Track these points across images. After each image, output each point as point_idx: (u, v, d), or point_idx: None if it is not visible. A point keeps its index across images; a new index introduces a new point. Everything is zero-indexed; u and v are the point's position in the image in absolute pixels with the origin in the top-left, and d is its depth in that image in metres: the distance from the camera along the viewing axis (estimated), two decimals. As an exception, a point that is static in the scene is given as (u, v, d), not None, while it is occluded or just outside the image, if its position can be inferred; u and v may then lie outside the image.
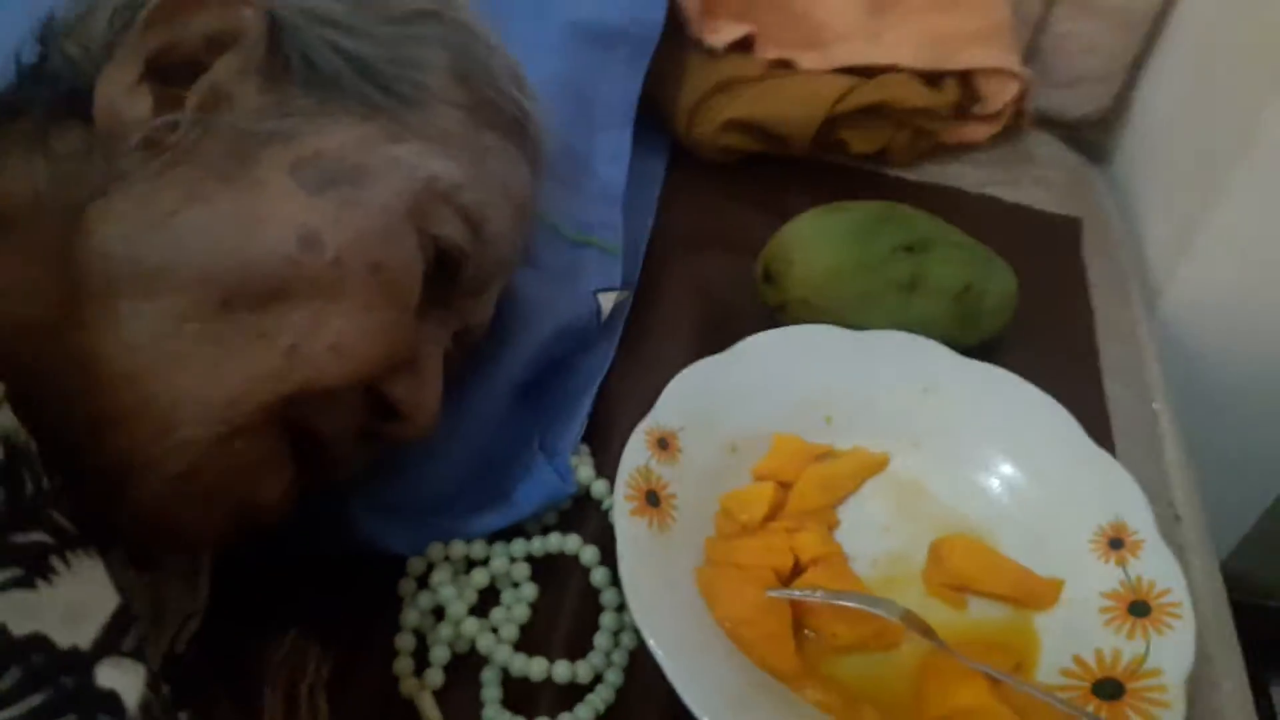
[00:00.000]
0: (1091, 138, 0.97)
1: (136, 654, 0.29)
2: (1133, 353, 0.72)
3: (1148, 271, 0.82)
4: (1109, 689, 0.47)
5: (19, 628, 0.26)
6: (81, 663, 0.27)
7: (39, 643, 0.26)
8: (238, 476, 0.38)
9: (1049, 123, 0.93)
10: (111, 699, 0.27)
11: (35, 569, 0.27)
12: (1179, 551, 0.54)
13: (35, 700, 0.26)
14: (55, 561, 0.28)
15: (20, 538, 0.27)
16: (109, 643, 0.28)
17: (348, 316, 0.39)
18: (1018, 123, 0.86)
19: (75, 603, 0.28)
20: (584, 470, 0.53)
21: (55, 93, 0.40)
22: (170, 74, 0.40)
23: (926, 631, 0.48)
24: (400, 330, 0.42)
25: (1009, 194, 0.82)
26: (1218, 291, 0.76)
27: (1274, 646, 0.93)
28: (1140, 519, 0.53)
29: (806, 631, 0.49)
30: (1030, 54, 0.91)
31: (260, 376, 0.37)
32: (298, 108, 0.41)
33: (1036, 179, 0.85)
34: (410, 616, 0.47)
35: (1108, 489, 0.54)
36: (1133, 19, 0.88)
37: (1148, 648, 0.48)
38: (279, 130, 0.40)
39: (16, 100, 0.41)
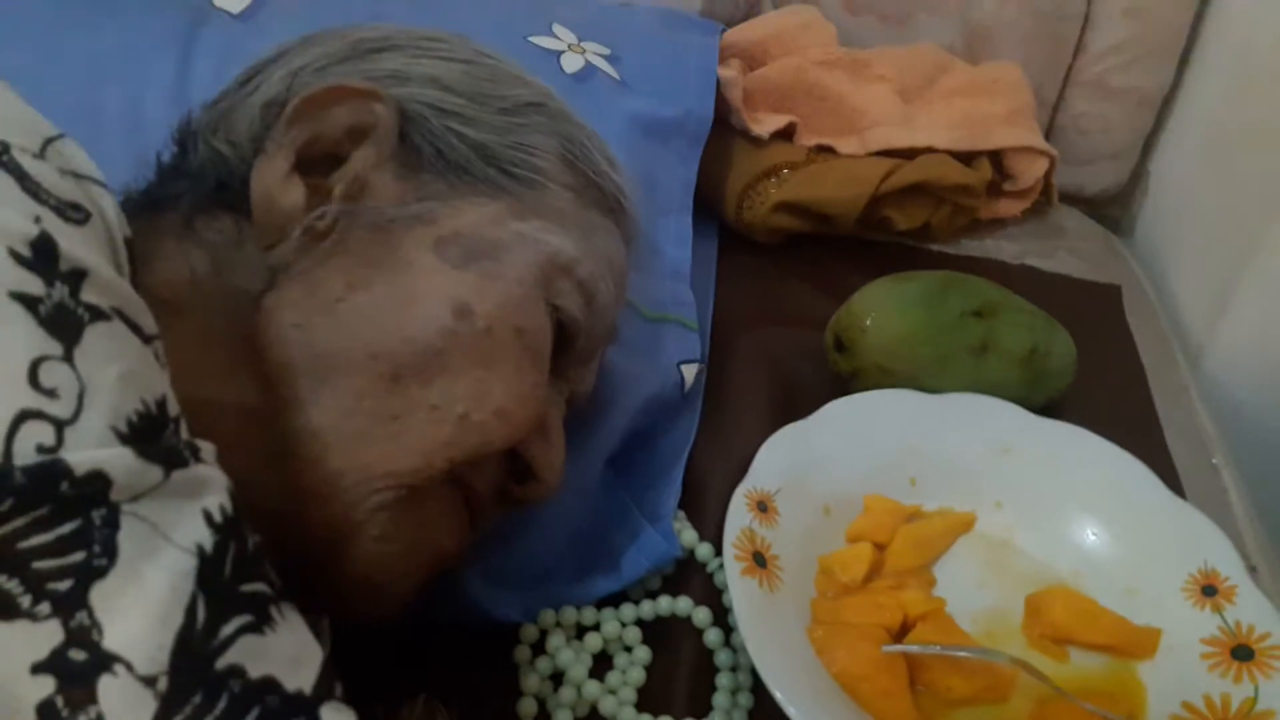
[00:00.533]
0: (1111, 213, 1.01)
1: (346, 701, 0.29)
2: (1186, 411, 0.73)
3: (1185, 333, 0.84)
4: (1224, 733, 0.48)
5: (255, 670, 0.27)
6: (307, 706, 0.28)
7: (272, 685, 0.27)
8: (429, 532, 0.41)
9: (1069, 199, 0.96)
10: None
11: (262, 617, 0.28)
12: (1262, 601, 0.55)
13: (273, 739, 0.26)
14: (274, 611, 0.29)
15: (249, 587, 0.28)
16: (326, 688, 0.29)
17: (505, 382, 0.41)
18: (1046, 198, 0.90)
19: (295, 649, 0.29)
20: (687, 534, 0.54)
21: (201, 186, 0.42)
22: (313, 166, 0.43)
23: (1042, 677, 0.48)
24: (543, 393, 0.44)
25: (1046, 264, 0.85)
26: (1260, 345, 0.79)
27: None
28: (1230, 565, 0.54)
29: (919, 687, 0.50)
30: (1048, 134, 0.95)
31: (439, 444, 0.39)
32: (432, 192, 0.44)
33: (1069, 250, 0.88)
34: (530, 682, 0.48)
35: (1193, 537, 0.55)
36: (1145, 97, 0.92)
37: (1256, 691, 0.49)
38: (419, 214, 0.43)
39: (162, 195, 0.44)
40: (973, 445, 0.60)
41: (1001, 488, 0.59)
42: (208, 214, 0.42)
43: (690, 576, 0.54)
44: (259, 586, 0.28)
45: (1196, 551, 0.55)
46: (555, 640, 0.49)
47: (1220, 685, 0.50)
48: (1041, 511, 0.59)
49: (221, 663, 0.26)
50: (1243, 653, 0.51)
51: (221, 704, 0.26)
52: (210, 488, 0.28)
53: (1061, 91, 0.94)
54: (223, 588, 0.27)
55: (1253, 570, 0.62)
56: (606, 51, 0.77)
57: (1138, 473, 0.58)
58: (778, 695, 0.44)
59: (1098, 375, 0.71)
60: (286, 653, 0.28)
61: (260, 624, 0.28)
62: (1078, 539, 0.58)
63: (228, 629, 0.27)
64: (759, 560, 0.51)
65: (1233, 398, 0.80)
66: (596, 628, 0.50)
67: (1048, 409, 0.64)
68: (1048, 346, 0.64)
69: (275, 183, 0.41)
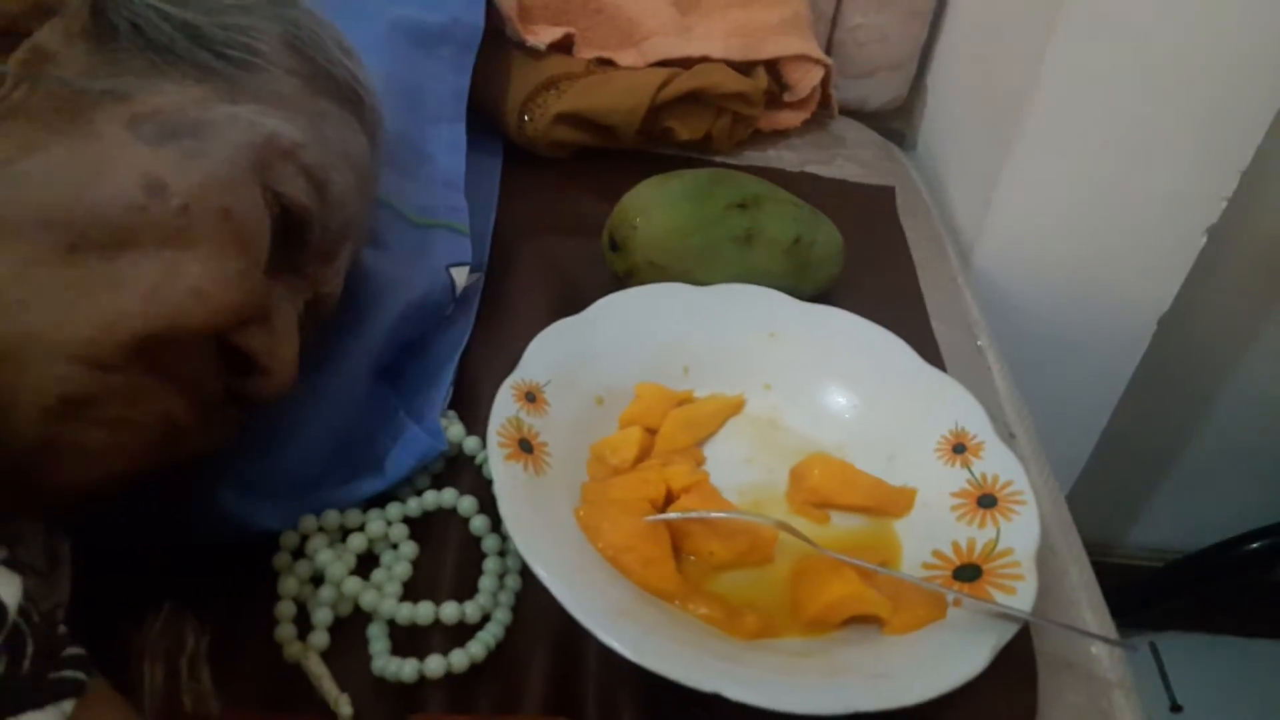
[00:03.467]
0: (894, 125, 1.05)
1: (9, 564, 0.28)
2: (954, 299, 0.77)
3: (958, 234, 0.89)
4: (968, 573, 0.51)
5: None
6: None
7: None
8: (136, 407, 0.38)
9: (853, 114, 1.00)
10: None
11: None
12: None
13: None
14: None
15: None
16: None
17: (204, 263, 0.39)
18: (827, 110, 0.92)
19: None
20: (454, 429, 0.54)
21: None
22: None
23: (800, 535, 0.50)
24: (254, 281, 0.42)
25: (825, 171, 0.88)
26: (1019, 238, 0.84)
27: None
28: (978, 425, 0.57)
29: (687, 556, 0.51)
30: (829, 48, 0.98)
31: (121, 315, 0.37)
32: (130, 68, 0.41)
33: (848, 158, 0.91)
34: (288, 585, 0.46)
35: (945, 402, 0.59)
36: (915, 8, 0.96)
37: (998, 533, 0.52)
38: (112, 89, 0.40)
39: None
40: (741, 332, 0.62)
41: (769, 371, 0.61)
42: None
43: (460, 472, 0.54)
44: None
45: (949, 415, 0.58)
46: (316, 543, 0.48)
47: (967, 532, 0.53)
48: (807, 390, 0.61)
49: None
50: (987, 500, 0.54)
51: None
52: None
53: (838, 4, 0.97)
54: None
55: (1011, 438, 0.67)
56: (369, -39, 0.74)
57: (894, 347, 0.61)
58: (540, 572, 0.44)
59: (869, 269, 0.74)
60: None
61: None
62: (840, 413, 0.60)
63: None
64: (525, 446, 0.51)
65: (998, 287, 0.85)
66: (361, 530, 0.50)
67: (819, 299, 0.66)
68: (812, 236, 0.66)
69: None
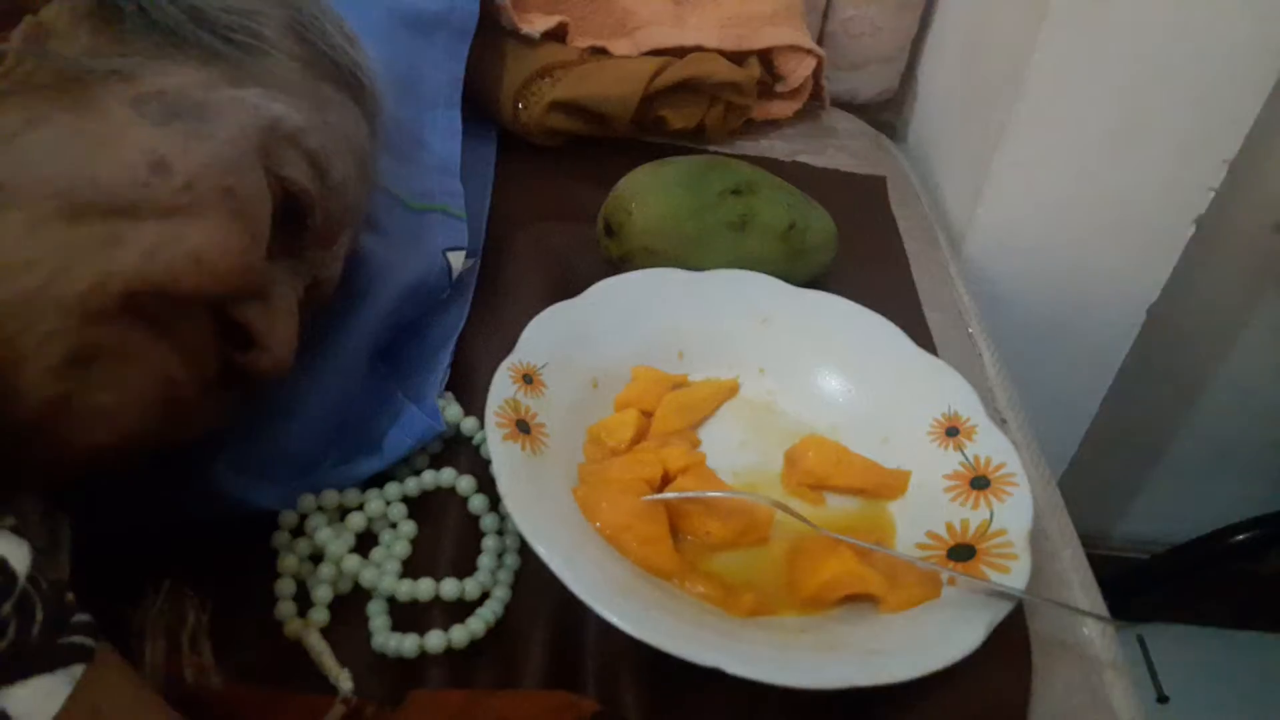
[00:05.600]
0: (885, 117, 1.05)
1: (17, 531, 0.28)
2: (945, 286, 0.78)
3: (949, 223, 0.89)
4: (962, 553, 0.51)
5: None
6: None
7: None
8: (135, 365, 0.39)
9: (845, 105, 1.00)
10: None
11: None
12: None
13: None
14: None
15: None
16: None
17: (205, 233, 0.39)
18: (819, 100, 0.93)
19: None
20: (452, 410, 0.54)
21: None
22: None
23: (796, 514, 0.50)
24: (254, 258, 0.42)
25: (817, 161, 0.88)
26: (1009, 225, 0.84)
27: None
28: (971, 408, 0.58)
29: (684, 536, 0.51)
30: (821, 40, 0.98)
31: (116, 271, 0.37)
32: (135, 49, 0.41)
33: (840, 148, 0.91)
34: (288, 562, 0.47)
35: (938, 386, 0.59)
36: (907, 0, 0.96)
37: (991, 514, 0.53)
38: (117, 68, 0.40)
39: None
40: (735, 317, 0.62)
41: (763, 355, 0.62)
42: None
43: (458, 452, 0.54)
44: None
45: (941, 398, 0.59)
46: (315, 521, 0.48)
47: (960, 512, 0.53)
48: (801, 374, 0.61)
49: None
50: (980, 482, 0.55)
51: None
52: None
53: (830, -5, 0.97)
54: None
55: (1003, 423, 0.67)
56: (366, -50, 0.74)
57: (887, 331, 0.62)
58: (540, 550, 0.44)
59: (861, 257, 0.74)
60: None
61: None
62: (834, 396, 0.61)
63: None
64: (522, 427, 0.51)
65: (989, 276, 0.86)
66: (360, 509, 0.50)
67: (812, 286, 0.66)
68: (806, 222, 0.67)
69: None
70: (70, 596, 0.29)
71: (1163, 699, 1.35)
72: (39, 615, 0.27)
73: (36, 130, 0.37)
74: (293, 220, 0.46)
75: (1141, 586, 1.35)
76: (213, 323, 0.42)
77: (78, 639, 0.29)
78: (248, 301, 0.42)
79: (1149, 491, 1.32)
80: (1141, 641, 1.40)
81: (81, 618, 0.29)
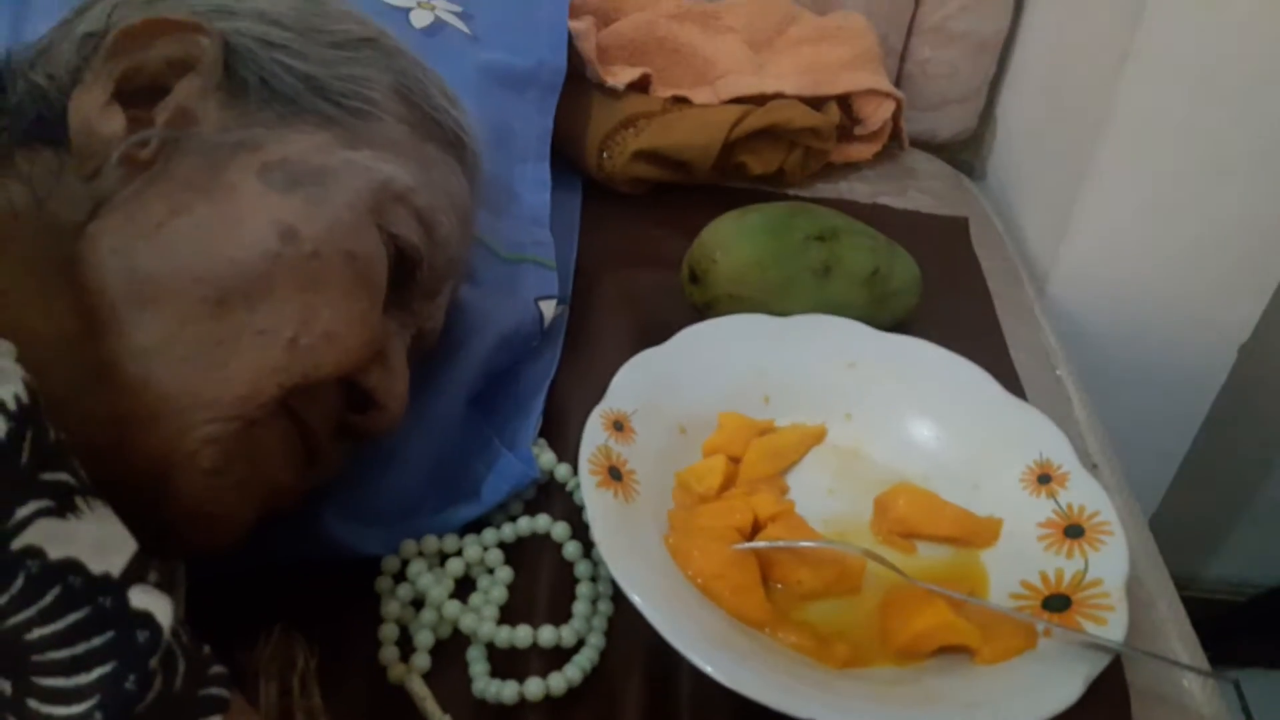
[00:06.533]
0: (964, 157, 1.05)
1: (161, 587, 0.30)
2: (1030, 327, 0.78)
3: (1031, 262, 0.89)
4: (1057, 603, 0.50)
5: (55, 552, 0.27)
6: (114, 587, 0.28)
7: (74, 567, 0.27)
8: (263, 464, 0.41)
9: (923, 145, 1.01)
10: (146, 618, 0.28)
11: (64, 504, 0.28)
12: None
13: (75, 617, 0.27)
14: (79, 501, 0.29)
15: (49, 475, 0.28)
16: (137, 573, 0.29)
17: (333, 306, 0.42)
18: (898, 142, 0.93)
19: (102, 536, 0.29)
20: (545, 456, 0.55)
21: (20, 121, 0.42)
22: (136, 98, 0.43)
23: (887, 563, 0.50)
24: (376, 320, 0.44)
25: (897, 202, 0.88)
26: (1096, 265, 0.83)
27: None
28: (1062, 454, 0.57)
29: (773, 584, 0.52)
30: (899, 82, 0.99)
31: (267, 370, 0.40)
32: (258, 120, 0.44)
33: (919, 189, 0.91)
34: (391, 608, 0.48)
35: (1028, 432, 0.59)
36: (984, 42, 0.97)
37: (1086, 563, 0.52)
38: (244, 141, 0.43)
39: None
40: (821, 362, 0.63)
41: (850, 401, 0.62)
42: (28, 148, 0.41)
43: (551, 498, 0.55)
44: (61, 476, 0.28)
45: (1032, 445, 0.58)
46: (416, 567, 0.50)
47: (1055, 562, 0.53)
48: (888, 420, 0.61)
49: (17, 543, 0.26)
50: (1074, 531, 0.54)
51: (18, 583, 0.26)
52: (3, 379, 0.28)
53: (907, 39, 0.98)
54: (18, 473, 0.27)
55: (1094, 468, 0.66)
56: (458, 9, 0.77)
57: (975, 376, 0.61)
58: (635, 599, 0.45)
59: (945, 300, 0.74)
60: (92, 538, 0.28)
61: (62, 510, 0.28)
62: (923, 443, 0.60)
63: (24, 511, 0.27)
64: (614, 474, 0.52)
65: (1075, 316, 0.85)
66: (459, 554, 0.51)
67: (896, 330, 0.67)
68: (889, 268, 0.67)
69: (94, 111, 0.41)
70: (207, 650, 0.31)
71: (1261, 748, 1.30)
72: (181, 668, 0.29)
73: (178, 219, 0.40)
74: (403, 275, 0.48)
75: (1237, 630, 1.31)
76: (341, 393, 0.44)
77: (215, 690, 0.30)
78: (370, 366, 0.44)
79: (1241, 532, 1.28)
80: (1238, 688, 1.35)
81: (217, 669, 0.31)
